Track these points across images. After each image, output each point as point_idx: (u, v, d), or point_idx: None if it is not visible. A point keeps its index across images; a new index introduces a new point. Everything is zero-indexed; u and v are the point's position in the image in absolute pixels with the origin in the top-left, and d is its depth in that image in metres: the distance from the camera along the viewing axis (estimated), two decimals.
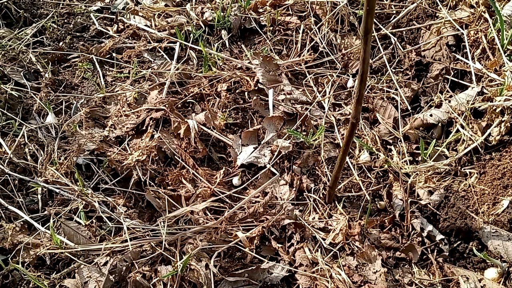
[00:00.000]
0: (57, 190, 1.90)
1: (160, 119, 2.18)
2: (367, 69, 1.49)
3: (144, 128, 2.16)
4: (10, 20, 2.71)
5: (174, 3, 2.85)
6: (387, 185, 2.03)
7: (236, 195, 1.99)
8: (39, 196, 1.91)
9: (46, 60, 2.48)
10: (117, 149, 2.08)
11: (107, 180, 2.00)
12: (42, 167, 1.98)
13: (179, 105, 2.28)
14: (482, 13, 2.32)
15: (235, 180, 2.03)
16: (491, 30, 2.25)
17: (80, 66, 2.47)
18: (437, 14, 2.52)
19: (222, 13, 2.66)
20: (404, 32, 2.57)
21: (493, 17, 2.29)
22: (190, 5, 2.79)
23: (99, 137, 2.11)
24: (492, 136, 2.04)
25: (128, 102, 2.27)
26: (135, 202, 1.96)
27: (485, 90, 2.14)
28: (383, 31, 2.55)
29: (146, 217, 1.91)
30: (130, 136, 2.15)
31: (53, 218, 1.80)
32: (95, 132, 2.15)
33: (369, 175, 2.06)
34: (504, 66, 2.13)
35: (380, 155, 2.08)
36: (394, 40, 2.50)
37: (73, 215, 1.85)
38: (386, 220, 1.90)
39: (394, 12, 2.66)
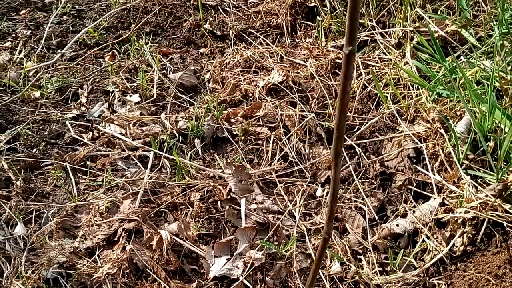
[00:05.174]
0: None
1: (133, 229, 2.18)
2: (337, 188, 1.58)
3: (115, 238, 2.15)
4: None
5: (149, 111, 2.96)
6: None
7: None
8: None
9: (18, 167, 2.49)
10: (87, 261, 2.05)
11: None
12: (7, 281, 1.92)
13: (152, 215, 2.29)
14: (438, 129, 2.51)
15: None
16: (447, 145, 2.42)
17: (53, 173, 2.48)
18: (397, 128, 2.70)
19: (195, 122, 2.78)
20: (368, 143, 2.73)
21: (448, 133, 2.47)
22: (165, 114, 2.90)
23: (69, 249, 2.08)
24: (456, 247, 2.12)
25: (100, 211, 2.27)
26: None
27: (446, 201, 2.26)
28: (348, 142, 2.70)
29: None
30: (101, 248, 2.13)
31: None
32: (65, 243, 2.12)
33: (341, 286, 2.08)
34: (462, 179, 2.27)
35: (351, 266, 2.11)
36: (359, 150, 2.65)
37: None
38: None
39: (358, 124, 2.84)
